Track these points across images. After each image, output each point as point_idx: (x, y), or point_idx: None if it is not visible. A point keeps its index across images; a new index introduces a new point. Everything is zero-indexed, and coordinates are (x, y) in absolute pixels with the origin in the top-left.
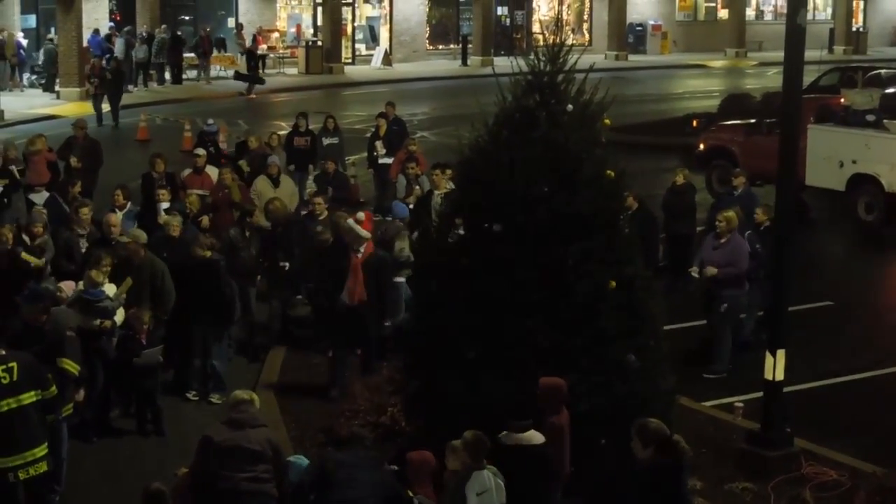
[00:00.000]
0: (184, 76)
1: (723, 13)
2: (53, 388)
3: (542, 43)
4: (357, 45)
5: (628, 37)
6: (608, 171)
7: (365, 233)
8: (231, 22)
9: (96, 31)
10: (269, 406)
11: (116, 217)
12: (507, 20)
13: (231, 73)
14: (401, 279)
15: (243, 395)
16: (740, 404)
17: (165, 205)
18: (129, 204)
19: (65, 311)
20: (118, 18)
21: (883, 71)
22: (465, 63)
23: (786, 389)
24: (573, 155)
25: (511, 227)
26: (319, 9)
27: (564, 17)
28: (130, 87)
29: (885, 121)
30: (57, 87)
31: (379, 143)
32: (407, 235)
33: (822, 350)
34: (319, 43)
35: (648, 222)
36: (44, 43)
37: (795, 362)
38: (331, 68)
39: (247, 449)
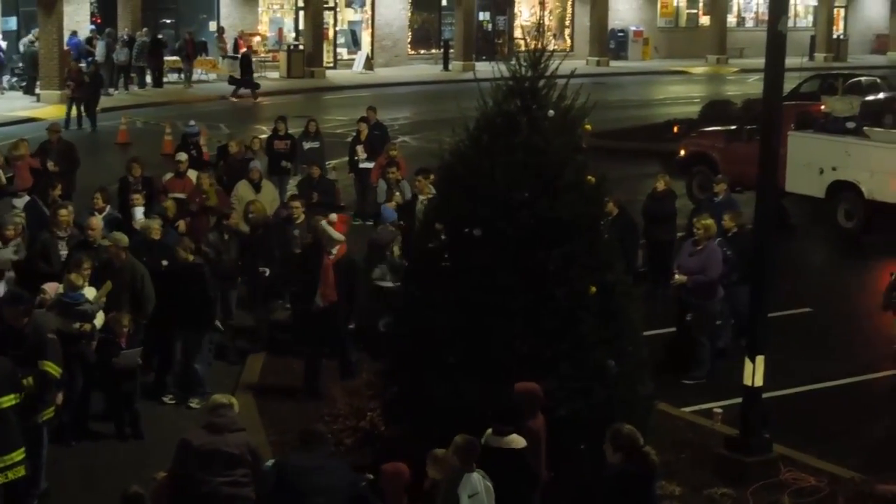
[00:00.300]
0: (164, 79)
1: (704, 20)
2: (25, 391)
3: (523, 48)
4: (339, 50)
5: (610, 43)
6: (589, 177)
7: (338, 235)
8: (213, 25)
9: (74, 33)
10: (248, 410)
11: (98, 220)
12: (489, 25)
13: (213, 76)
14: (387, 284)
15: (222, 399)
16: (719, 410)
17: (140, 209)
18: (108, 207)
19: (45, 314)
20: (98, 21)
21: (863, 78)
22: (446, 68)
23: (765, 395)
24: (554, 160)
25: (492, 232)
26: (301, 13)
27: (546, 22)
28: (111, 91)
29: (865, 128)
30: (37, 90)
31: (360, 148)
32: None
33: (802, 356)
34: (301, 47)
35: (629, 228)
36: (24, 45)
37: (775, 368)
38: (312, 72)
39: (225, 453)
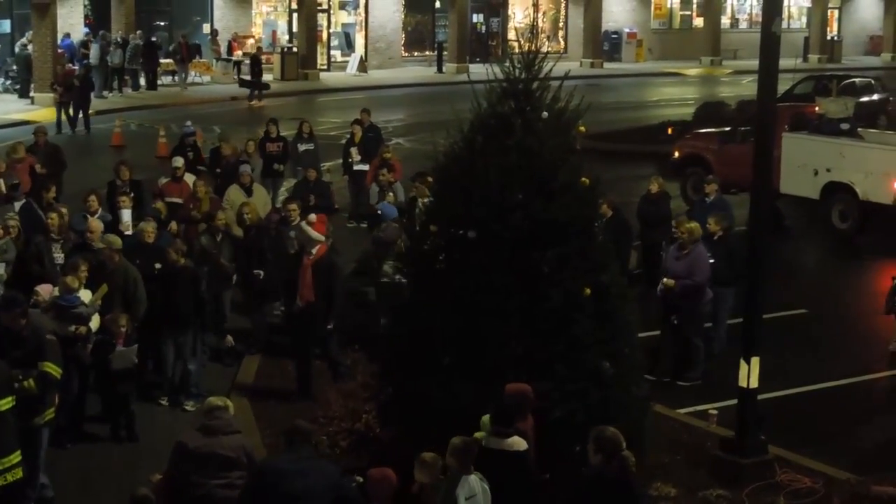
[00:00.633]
0: (158, 82)
1: (698, 21)
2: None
3: (517, 50)
4: (332, 52)
5: (604, 44)
6: (583, 179)
7: (317, 235)
8: (206, 28)
9: (67, 35)
10: (243, 412)
11: (97, 223)
12: (483, 27)
13: (206, 79)
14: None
15: (217, 402)
16: (714, 411)
17: (127, 211)
18: (100, 210)
19: (40, 316)
20: (91, 23)
21: (857, 80)
22: (440, 70)
23: (760, 397)
24: (548, 162)
25: (486, 233)
26: (295, 15)
27: (540, 24)
28: (105, 93)
29: (859, 129)
30: (31, 93)
31: (354, 150)
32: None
33: (796, 357)
34: (295, 49)
35: (623, 230)
36: (18, 48)
37: (769, 370)
38: (306, 75)
39: (220, 455)
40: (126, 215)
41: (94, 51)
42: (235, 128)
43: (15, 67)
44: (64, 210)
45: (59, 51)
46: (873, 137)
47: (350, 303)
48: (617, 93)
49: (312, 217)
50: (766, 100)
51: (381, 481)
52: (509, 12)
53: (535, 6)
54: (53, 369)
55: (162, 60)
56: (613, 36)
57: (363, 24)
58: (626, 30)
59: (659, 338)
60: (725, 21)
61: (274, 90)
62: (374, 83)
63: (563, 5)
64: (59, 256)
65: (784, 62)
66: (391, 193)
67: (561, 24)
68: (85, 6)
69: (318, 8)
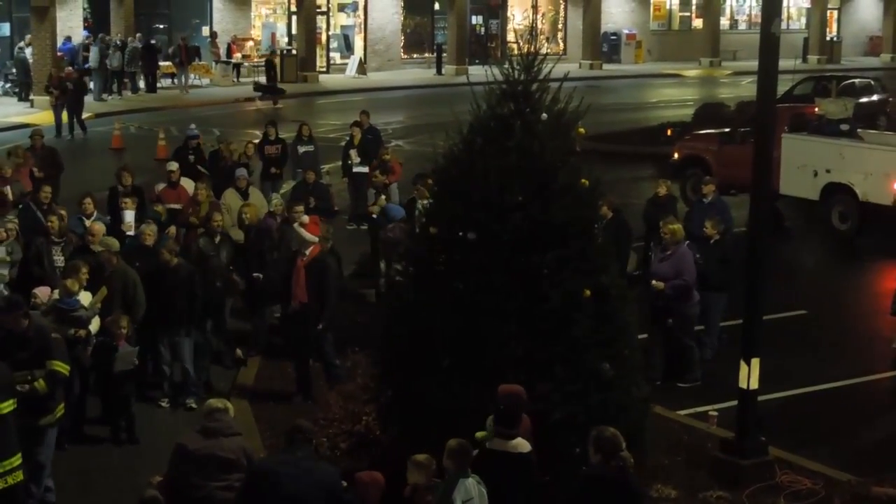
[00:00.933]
0: (158, 84)
1: (697, 22)
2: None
3: (516, 52)
4: (332, 54)
5: (603, 46)
6: (583, 180)
7: (310, 236)
8: (205, 30)
9: (68, 39)
10: (243, 414)
11: (99, 226)
12: (482, 29)
13: (206, 81)
14: None
15: (217, 404)
16: (714, 413)
17: (130, 212)
18: (95, 212)
19: (40, 317)
20: (89, 25)
21: (857, 80)
22: (439, 72)
23: (760, 398)
24: (548, 164)
25: (486, 235)
26: (294, 17)
27: (539, 26)
28: (105, 96)
29: (858, 130)
30: (31, 96)
31: (353, 152)
32: None
33: (796, 359)
34: (294, 52)
35: (622, 231)
36: (16, 51)
37: (769, 371)
38: (305, 77)
39: (221, 457)
40: (129, 216)
41: (93, 54)
42: (240, 130)
43: (14, 71)
44: (63, 212)
45: (59, 54)
46: (873, 138)
47: (349, 304)
48: (616, 94)
49: (305, 219)
50: (766, 101)
51: (371, 485)
52: (508, 14)
53: (535, 8)
54: (62, 367)
55: (161, 63)
56: (612, 37)
57: (362, 26)
58: (626, 31)
59: (647, 340)
60: (724, 22)
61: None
62: (374, 85)
63: (562, 7)
64: (59, 259)
65: (783, 63)
66: (383, 196)
67: (560, 26)
68: (84, 9)
69: (317, 10)
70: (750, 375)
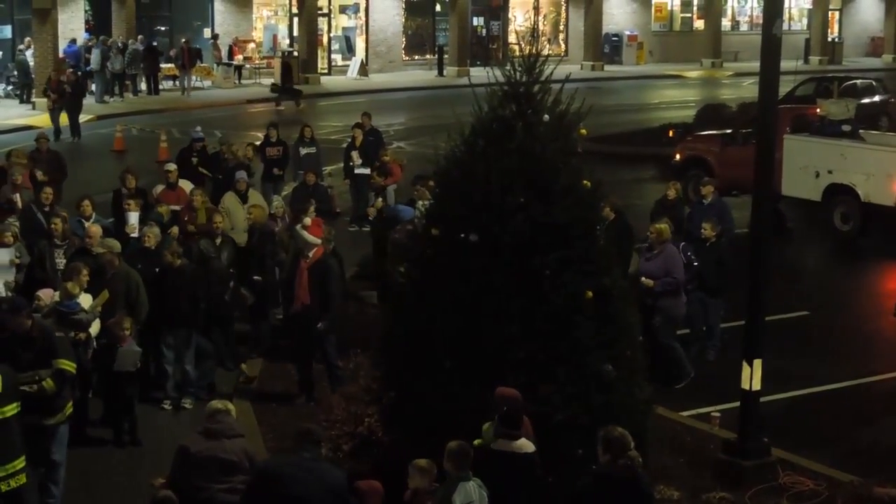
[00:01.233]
0: (160, 86)
1: (699, 24)
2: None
3: (518, 53)
4: (333, 56)
5: (604, 47)
6: (585, 182)
7: (313, 238)
8: (207, 32)
9: (73, 41)
10: (245, 416)
11: (97, 228)
12: (483, 31)
13: (208, 83)
14: None
15: (219, 406)
16: (717, 414)
17: (134, 214)
18: (94, 215)
19: (41, 319)
20: (91, 28)
21: (858, 81)
22: (441, 73)
23: (762, 399)
24: (549, 165)
25: (487, 237)
26: (295, 19)
27: (540, 27)
28: (107, 98)
29: (860, 131)
30: (32, 98)
31: (355, 154)
32: None
33: (799, 360)
34: (296, 53)
35: (624, 232)
36: (17, 54)
37: (772, 372)
38: (307, 79)
39: (223, 459)
40: (133, 218)
41: (94, 56)
42: (242, 132)
43: (16, 73)
44: (65, 214)
45: (61, 56)
46: (875, 139)
47: (351, 306)
48: (618, 95)
49: (307, 220)
50: (768, 102)
51: (369, 493)
52: (510, 15)
53: (536, 9)
54: (69, 365)
55: (163, 65)
56: (614, 38)
57: (364, 27)
58: (627, 32)
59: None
60: (726, 23)
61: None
62: (375, 87)
63: (563, 8)
64: (61, 262)
65: (785, 64)
66: (380, 199)
67: (561, 27)
68: (86, 11)
69: (319, 12)
70: (752, 376)
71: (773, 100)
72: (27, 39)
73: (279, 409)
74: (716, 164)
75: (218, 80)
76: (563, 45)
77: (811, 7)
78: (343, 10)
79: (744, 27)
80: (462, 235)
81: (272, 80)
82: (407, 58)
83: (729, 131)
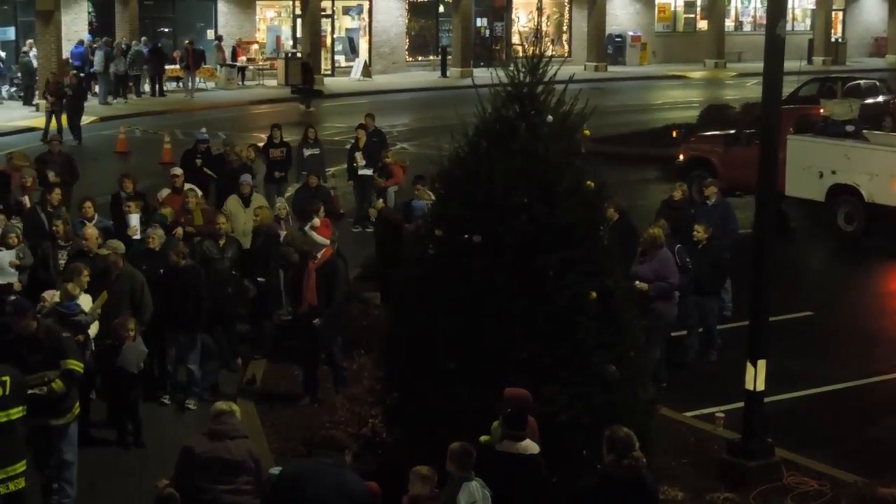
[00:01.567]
0: (164, 88)
1: (702, 24)
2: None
3: (521, 54)
4: (336, 57)
5: (608, 48)
6: (588, 182)
7: (322, 239)
8: (210, 34)
9: (80, 42)
10: (249, 416)
11: (93, 230)
12: (487, 31)
13: (211, 84)
14: None
15: (224, 407)
16: (721, 414)
17: (135, 216)
18: (96, 216)
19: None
20: (94, 28)
21: (862, 81)
22: (444, 74)
23: (766, 399)
24: (553, 166)
25: (490, 237)
26: (299, 21)
27: (544, 28)
28: (110, 100)
29: (864, 131)
30: (35, 100)
31: (358, 155)
32: None
33: (803, 360)
34: (299, 55)
35: (628, 233)
36: (20, 55)
37: (776, 372)
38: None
39: (227, 460)
40: (134, 220)
41: (98, 57)
42: (246, 133)
43: (19, 75)
44: (66, 216)
45: (64, 58)
46: (878, 139)
47: (355, 306)
48: (621, 96)
49: (316, 221)
50: (771, 102)
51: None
52: (513, 16)
53: (539, 10)
54: (77, 365)
55: (168, 67)
56: (617, 39)
57: (367, 29)
58: (630, 33)
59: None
60: (729, 24)
61: (278, 95)
62: (379, 88)
63: (566, 9)
64: (63, 264)
65: (788, 64)
66: (381, 200)
67: (565, 28)
68: (89, 13)
69: (322, 13)
70: (756, 377)
71: (777, 100)
72: (29, 41)
73: (283, 411)
74: (719, 164)
75: (221, 82)
76: (566, 46)
77: (814, 7)
78: (346, 11)
79: (747, 28)
80: (465, 236)
81: (292, 83)
82: (410, 59)
83: (732, 132)
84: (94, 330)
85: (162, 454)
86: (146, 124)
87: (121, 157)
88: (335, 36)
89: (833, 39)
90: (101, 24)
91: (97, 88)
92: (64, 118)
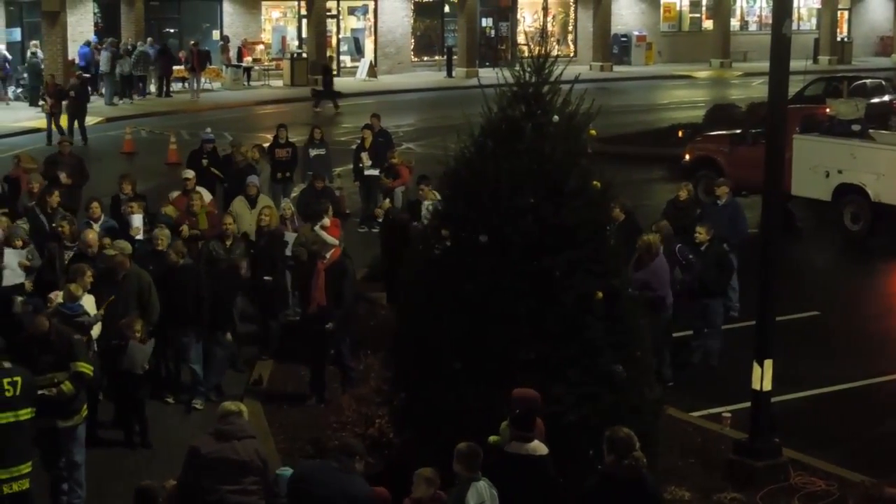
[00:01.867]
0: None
1: (707, 24)
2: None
3: (527, 54)
4: (342, 57)
5: (613, 48)
6: (594, 182)
7: (332, 239)
8: (216, 34)
9: (87, 43)
10: (256, 417)
11: (93, 235)
12: (492, 32)
13: (217, 85)
14: None
15: (231, 407)
16: (728, 414)
17: (138, 216)
18: (102, 216)
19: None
20: (99, 29)
21: (868, 81)
22: (450, 75)
23: (773, 399)
24: (559, 166)
25: (497, 237)
26: (304, 21)
27: (549, 28)
28: (116, 100)
29: (870, 130)
30: (41, 101)
31: (364, 155)
32: None
33: (809, 360)
34: (304, 55)
35: (634, 233)
36: (27, 56)
37: (782, 372)
38: (316, 80)
39: (234, 461)
40: (137, 220)
41: (103, 58)
42: (252, 133)
43: (25, 76)
44: (72, 217)
45: (70, 58)
46: (884, 138)
47: (361, 307)
48: (627, 96)
49: (326, 221)
50: (777, 102)
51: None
52: (518, 16)
53: (545, 10)
54: (86, 368)
55: (175, 67)
56: (623, 39)
57: (372, 29)
58: (636, 33)
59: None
60: (735, 23)
61: (284, 96)
62: (384, 88)
63: (572, 9)
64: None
65: (794, 64)
66: (387, 200)
67: (570, 28)
68: (94, 14)
69: (328, 14)
70: (763, 376)
71: (783, 100)
72: (32, 42)
73: (290, 411)
74: (725, 164)
75: (227, 82)
76: (571, 46)
77: (820, 7)
78: (352, 11)
79: (753, 27)
80: (472, 236)
81: (312, 86)
82: (416, 59)
83: (738, 131)
84: (96, 331)
85: (168, 454)
86: (152, 125)
87: (127, 157)
88: (340, 36)
89: (839, 39)
90: (107, 25)
91: (103, 89)
92: (63, 119)
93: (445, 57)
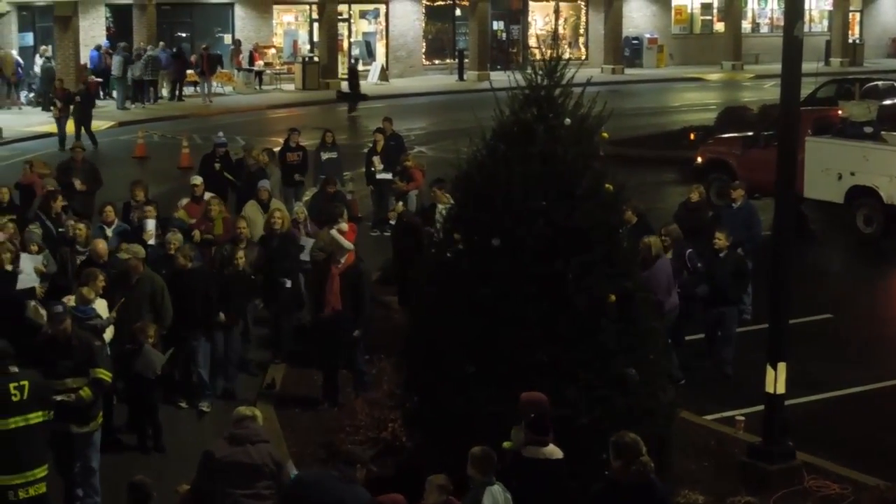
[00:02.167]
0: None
1: (719, 26)
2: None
3: (538, 57)
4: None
5: (625, 50)
6: (607, 185)
7: (347, 243)
8: (228, 38)
9: (98, 47)
10: (269, 421)
11: (103, 245)
12: (504, 35)
13: (228, 89)
14: None
15: (246, 412)
16: (741, 417)
17: (151, 221)
18: (116, 221)
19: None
20: (112, 35)
21: (880, 82)
22: (461, 78)
23: (787, 403)
24: (571, 169)
25: (509, 240)
26: (316, 25)
27: (560, 31)
28: (128, 104)
29: (882, 132)
30: (51, 106)
31: (376, 159)
32: None
33: (823, 363)
34: (316, 59)
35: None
36: (41, 61)
37: (796, 375)
38: (327, 84)
39: (247, 465)
40: (150, 225)
41: (115, 62)
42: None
43: (38, 80)
44: (75, 220)
45: (82, 62)
46: None
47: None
48: (638, 98)
49: (344, 226)
50: (789, 104)
51: None
52: (530, 19)
53: (556, 13)
54: (105, 374)
55: (188, 72)
56: (634, 42)
57: (384, 32)
58: (647, 35)
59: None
60: (746, 25)
61: (296, 100)
62: (396, 91)
63: (583, 12)
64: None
65: (806, 66)
66: (400, 203)
67: (582, 31)
68: (106, 18)
69: (339, 17)
70: (777, 380)
71: (795, 102)
72: (42, 47)
73: (303, 415)
74: (737, 166)
75: (239, 86)
76: (583, 49)
77: (832, 9)
78: (363, 15)
79: (764, 29)
80: (484, 239)
81: (338, 89)
82: (427, 62)
83: (750, 134)
84: (109, 335)
85: (182, 458)
86: (164, 129)
87: (139, 161)
88: (352, 40)
89: (850, 41)
90: (119, 30)
91: (114, 94)
92: (70, 124)
93: (457, 60)
